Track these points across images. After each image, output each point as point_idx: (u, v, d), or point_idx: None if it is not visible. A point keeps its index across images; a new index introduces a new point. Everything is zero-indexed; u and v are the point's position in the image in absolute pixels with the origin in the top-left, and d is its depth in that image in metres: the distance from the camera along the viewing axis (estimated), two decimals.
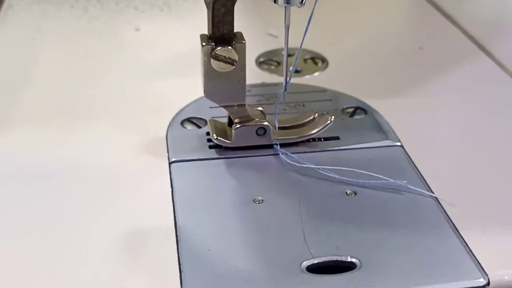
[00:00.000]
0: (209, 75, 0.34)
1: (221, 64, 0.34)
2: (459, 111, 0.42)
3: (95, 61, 0.48)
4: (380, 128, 0.39)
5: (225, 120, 0.37)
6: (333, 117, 0.37)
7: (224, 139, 0.36)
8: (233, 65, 0.34)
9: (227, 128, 0.37)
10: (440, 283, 0.28)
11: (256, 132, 0.36)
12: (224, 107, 0.36)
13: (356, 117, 0.41)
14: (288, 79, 0.36)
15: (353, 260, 0.29)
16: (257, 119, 0.36)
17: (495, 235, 0.31)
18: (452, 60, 0.49)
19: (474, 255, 0.29)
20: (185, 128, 0.39)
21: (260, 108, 0.38)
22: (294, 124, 0.38)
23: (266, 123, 0.36)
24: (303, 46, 0.35)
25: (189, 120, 0.40)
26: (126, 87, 0.44)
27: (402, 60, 0.50)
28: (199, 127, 0.39)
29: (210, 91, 0.35)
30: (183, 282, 0.28)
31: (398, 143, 0.38)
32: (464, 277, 0.28)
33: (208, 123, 0.38)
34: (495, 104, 0.43)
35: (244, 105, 0.36)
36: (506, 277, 0.28)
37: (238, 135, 0.36)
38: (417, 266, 0.29)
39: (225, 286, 0.27)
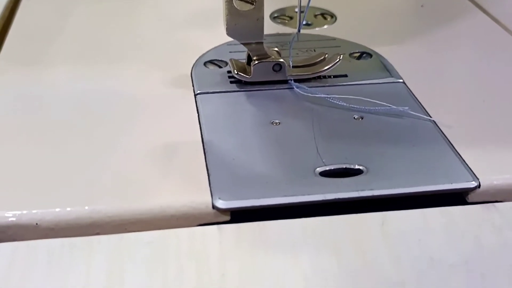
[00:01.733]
0: (231, 14, 0.37)
1: (242, 3, 0.37)
2: (457, 55, 0.46)
3: (125, 15, 0.51)
4: (384, 68, 0.42)
5: (244, 61, 0.40)
6: (342, 55, 0.40)
7: (244, 74, 0.39)
8: (252, 4, 0.37)
9: (246, 66, 0.40)
10: (436, 184, 0.31)
11: (273, 68, 0.39)
12: (244, 44, 0.39)
13: (362, 60, 0.44)
14: (301, 20, 0.39)
15: (361, 167, 0.32)
16: (274, 57, 0.39)
17: (486, 149, 0.34)
18: (451, 16, 0.52)
19: (467, 164, 0.32)
20: (208, 68, 0.42)
21: (276, 49, 0.41)
22: (306, 63, 0.41)
23: (281, 60, 0.39)
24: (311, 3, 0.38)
25: (211, 61, 0.43)
26: (153, 36, 0.48)
27: (405, 16, 0.53)
28: (220, 67, 0.42)
29: (232, 29, 0.38)
30: (211, 182, 0.31)
31: (401, 80, 0.41)
32: (458, 180, 0.31)
33: (229, 62, 0.41)
34: (489, 49, 0.46)
35: (262, 43, 0.39)
36: (494, 182, 0.31)
37: (256, 71, 0.39)
38: (416, 172, 0.32)
39: (249, 185, 0.30)
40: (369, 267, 0.26)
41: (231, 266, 0.26)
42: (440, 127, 0.36)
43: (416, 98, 0.39)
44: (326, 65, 0.40)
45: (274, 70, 0.40)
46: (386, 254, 0.27)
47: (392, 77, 0.41)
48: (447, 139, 0.34)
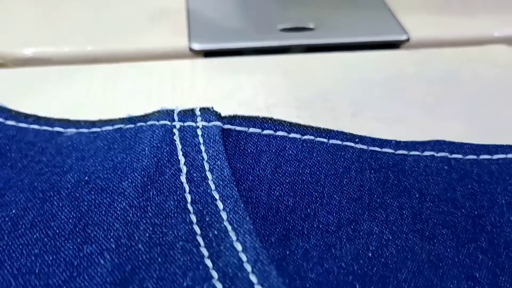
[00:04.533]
0: None
1: None
2: None
3: None
4: None
5: None
6: None
7: None
8: None
9: None
10: (375, 35, 0.37)
11: None
12: None
13: None
14: None
15: (312, 25, 0.38)
16: None
17: (419, 12, 0.40)
18: None
19: (401, 23, 0.38)
20: None
21: None
22: None
23: None
24: None
25: None
26: None
27: None
28: None
29: None
30: (190, 30, 0.37)
31: None
32: (392, 33, 0.37)
33: None
34: None
35: None
36: (422, 35, 0.37)
37: None
38: (357, 28, 0.38)
39: (222, 34, 0.37)
40: (309, 83, 0.32)
41: (200, 81, 0.32)
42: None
43: None
44: None
45: None
46: (324, 74, 0.33)
47: None
48: (388, 6, 0.40)
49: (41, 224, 0.22)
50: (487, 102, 0.30)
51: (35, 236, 0.21)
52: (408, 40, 0.37)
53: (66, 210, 0.22)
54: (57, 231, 0.21)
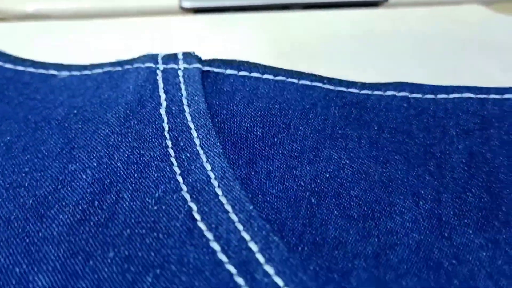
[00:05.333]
0: None
1: None
2: None
3: None
4: None
5: None
6: None
7: None
8: None
9: None
10: None
11: None
12: None
13: None
14: None
15: None
16: None
17: None
18: None
19: None
20: None
21: None
22: None
23: None
24: None
25: None
26: None
27: None
28: None
29: None
30: None
31: None
32: None
33: None
34: None
35: None
36: None
37: None
38: None
39: None
40: (290, 38, 0.34)
41: (189, 37, 0.34)
42: None
43: None
44: None
45: None
46: (304, 30, 0.35)
47: None
48: None
49: (32, 148, 0.24)
50: (453, 55, 0.32)
51: (26, 158, 0.23)
52: (387, 0, 0.38)
53: (55, 137, 0.24)
54: (46, 153, 0.23)
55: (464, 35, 0.33)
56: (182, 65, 0.27)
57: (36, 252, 0.19)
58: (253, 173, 0.23)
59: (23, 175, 0.22)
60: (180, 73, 0.27)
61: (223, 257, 0.19)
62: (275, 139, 0.24)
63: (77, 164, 0.23)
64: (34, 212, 0.21)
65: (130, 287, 0.18)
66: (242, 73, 0.27)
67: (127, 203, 0.21)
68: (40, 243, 0.19)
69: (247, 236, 0.19)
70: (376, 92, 0.26)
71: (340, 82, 0.27)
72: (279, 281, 0.18)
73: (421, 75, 0.30)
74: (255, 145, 0.24)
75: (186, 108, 0.25)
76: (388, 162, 0.23)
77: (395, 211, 0.21)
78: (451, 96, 0.26)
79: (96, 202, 0.21)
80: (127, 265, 0.18)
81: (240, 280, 0.18)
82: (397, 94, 0.26)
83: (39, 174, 0.22)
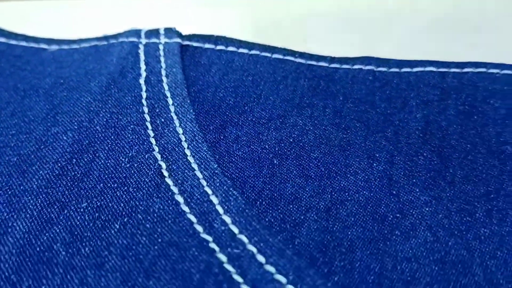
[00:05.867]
0: None
1: None
2: None
3: None
4: None
5: None
6: None
7: None
8: None
9: None
10: None
11: None
12: None
13: None
14: None
15: None
16: None
17: None
18: None
19: None
20: None
21: None
22: None
23: None
24: None
25: None
26: None
27: None
28: None
29: None
30: None
31: None
32: None
33: None
34: None
35: None
36: None
37: None
38: None
39: None
40: (267, 14, 0.35)
41: (172, 9, 0.36)
42: None
43: None
44: None
45: None
46: (282, 5, 0.36)
47: None
48: None
49: (19, 113, 0.26)
50: (424, 32, 0.33)
51: (13, 122, 0.25)
52: None
53: (41, 104, 0.26)
54: (32, 118, 0.25)
55: (436, 12, 0.35)
56: (163, 39, 0.29)
57: (17, 203, 0.21)
58: (222, 137, 0.24)
59: (10, 136, 0.24)
60: (161, 46, 0.29)
61: (185, 208, 0.20)
62: (246, 108, 0.26)
63: (60, 127, 0.24)
64: (17, 169, 0.22)
65: (99, 233, 0.20)
66: (219, 47, 0.29)
67: (102, 161, 0.22)
68: (21, 195, 0.21)
69: (209, 191, 0.21)
70: (344, 66, 0.28)
71: (311, 56, 0.28)
72: (234, 229, 0.19)
73: (391, 49, 0.31)
74: (227, 113, 0.26)
75: (164, 78, 0.27)
76: (349, 129, 0.24)
77: (349, 171, 0.22)
78: (415, 69, 0.27)
79: (74, 160, 0.22)
80: (98, 214, 0.20)
81: (199, 228, 0.19)
82: (363, 68, 0.28)
83: (24, 136, 0.24)
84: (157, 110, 0.25)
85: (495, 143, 0.23)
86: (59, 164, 0.22)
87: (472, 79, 0.26)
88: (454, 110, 0.25)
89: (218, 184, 0.21)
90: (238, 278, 0.18)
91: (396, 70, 0.27)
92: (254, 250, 0.19)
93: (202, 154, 0.22)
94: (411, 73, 0.27)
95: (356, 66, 0.28)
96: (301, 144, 0.24)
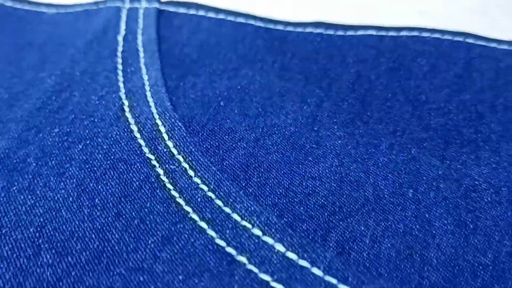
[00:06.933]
0: None
1: None
2: None
3: None
4: None
5: None
6: None
7: None
8: None
9: None
10: None
11: None
12: None
13: None
14: None
15: None
16: None
17: None
18: None
19: None
20: None
21: None
22: None
23: None
24: None
25: None
26: None
27: None
28: None
29: None
30: None
31: None
32: None
33: None
34: None
35: None
36: None
37: None
38: None
39: None
40: None
41: None
42: None
43: None
44: None
45: None
46: None
47: None
48: None
49: (15, 63, 0.30)
50: None
51: (9, 69, 0.30)
52: None
53: (34, 55, 0.30)
54: (25, 66, 0.30)
55: None
56: (144, 4, 0.33)
57: (3, 128, 0.25)
58: (181, 84, 0.28)
59: (5, 79, 0.29)
60: (141, 11, 0.33)
61: (137, 135, 0.24)
62: (206, 62, 0.30)
63: (46, 73, 0.29)
64: (6, 103, 0.27)
65: (65, 151, 0.24)
66: (191, 11, 0.33)
67: (76, 98, 0.27)
68: (7, 122, 0.26)
69: (159, 122, 0.25)
70: (298, 29, 0.32)
71: (270, 21, 0.32)
72: (174, 151, 0.23)
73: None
74: (190, 66, 0.29)
75: (139, 36, 0.31)
76: (290, 80, 0.28)
77: (282, 112, 0.26)
78: (358, 33, 0.31)
79: (54, 97, 0.27)
80: (66, 137, 0.24)
81: (146, 149, 0.24)
82: (314, 31, 0.31)
83: (16, 79, 0.29)
84: (129, 61, 0.29)
85: (413, 93, 0.27)
86: (41, 100, 0.27)
87: (405, 42, 0.30)
88: (385, 66, 0.29)
89: (167, 118, 0.25)
90: (170, 186, 0.22)
91: (342, 33, 0.31)
92: (187, 166, 0.23)
93: (159, 95, 0.26)
94: (354, 36, 0.31)
95: (308, 29, 0.31)
96: (246, 90, 0.28)
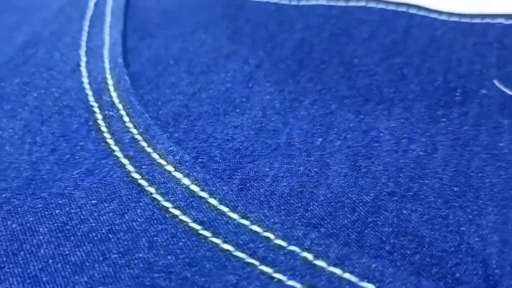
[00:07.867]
0: None
1: None
2: None
3: None
4: None
5: None
6: None
7: None
8: None
9: None
10: None
11: None
12: None
13: None
14: None
15: None
16: None
17: None
18: None
19: None
20: None
21: None
22: None
23: None
24: None
25: None
26: None
27: None
28: None
29: None
30: None
31: None
32: None
33: None
34: None
35: None
36: None
37: None
38: None
39: None
40: None
41: None
42: None
43: None
44: None
45: None
46: None
47: None
48: None
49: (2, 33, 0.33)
50: None
51: None
52: None
53: (13, 17, 0.33)
54: (5, 28, 0.32)
55: None
56: None
57: None
58: (139, 45, 0.31)
59: None
60: None
61: (87, 86, 0.27)
62: (166, 25, 0.32)
63: (19, 32, 0.31)
64: None
65: (21, 98, 0.26)
66: None
67: (41, 54, 0.29)
68: None
69: (108, 76, 0.27)
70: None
71: None
72: (116, 100, 0.26)
73: None
74: (151, 29, 0.32)
75: (110, 1, 0.33)
76: (238, 43, 0.30)
77: (223, 71, 0.28)
78: (310, 3, 0.32)
79: (20, 53, 0.29)
80: (25, 87, 0.27)
81: (91, 98, 0.26)
82: (270, 1, 0.33)
83: (5, 48, 0.31)
84: (96, 24, 0.31)
85: (348, 57, 0.28)
86: (9, 55, 0.29)
87: (352, 11, 0.31)
88: (329, 33, 0.30)
89: (117, 72, 0.27)
90: (104, 129, 0.24)
91: (295, 3, 0.33)
92: (124, 113, 0.25)
93: (115, 53, 0.29)
94: (306, 5, 0.32)
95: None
96: (196, 51, 0.30)
